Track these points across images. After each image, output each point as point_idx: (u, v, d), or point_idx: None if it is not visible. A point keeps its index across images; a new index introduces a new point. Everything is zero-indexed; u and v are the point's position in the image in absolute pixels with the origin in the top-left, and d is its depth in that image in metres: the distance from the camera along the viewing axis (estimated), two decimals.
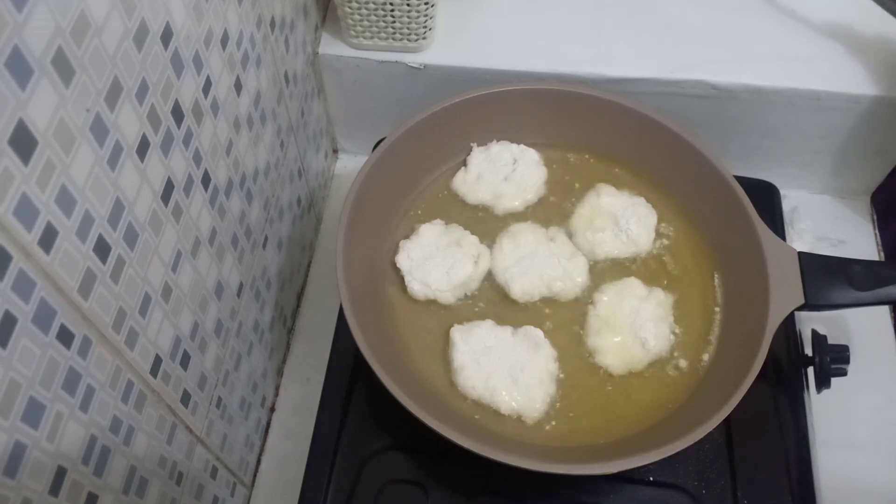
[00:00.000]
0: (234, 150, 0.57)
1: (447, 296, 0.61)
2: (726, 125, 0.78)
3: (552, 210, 0.66)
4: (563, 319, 0.61)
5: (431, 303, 0.61)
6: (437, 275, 0.61)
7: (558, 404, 0.57)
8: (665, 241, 0.65)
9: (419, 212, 0.66)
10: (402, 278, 0.61)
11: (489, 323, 0.59)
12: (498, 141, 0.68)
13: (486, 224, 0.65)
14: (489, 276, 0.63)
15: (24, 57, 0.32)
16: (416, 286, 0.61)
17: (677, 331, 0.61)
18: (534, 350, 0.58)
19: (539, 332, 0.59)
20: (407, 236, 0.63)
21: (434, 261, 0.61)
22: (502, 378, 0.57)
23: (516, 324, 0.60)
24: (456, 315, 0.61)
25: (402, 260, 0.62)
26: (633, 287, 0.61)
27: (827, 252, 0.60)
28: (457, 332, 0.58)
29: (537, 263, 0.62)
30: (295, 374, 0.79)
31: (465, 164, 0.67)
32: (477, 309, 0.62)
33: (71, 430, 0.40)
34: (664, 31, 0.76)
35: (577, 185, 0.67)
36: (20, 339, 0.35)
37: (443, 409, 0.56)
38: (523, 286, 0.61)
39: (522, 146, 0.68)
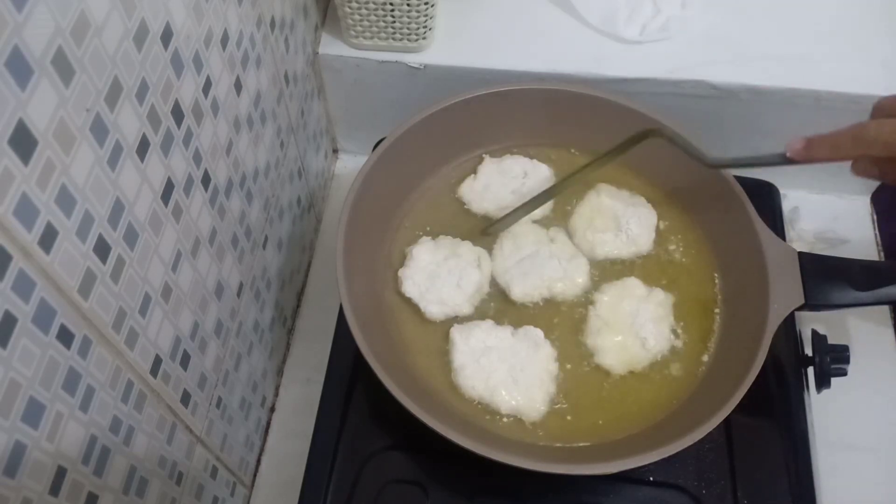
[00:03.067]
0: (234, 150, 0.57)
1: (466, 307, 0.60)
2: (726, 125, 0.77)
3: (552, 210, 0.66)
4: (564, 319, 0.61)
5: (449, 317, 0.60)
6: (449, 290, 0.60)
7: (558, 404, 0.57)
8: (665, 241, 0.65)
9: (418, 213, 0.66)
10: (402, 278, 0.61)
11: (489, 323, 0.59)
12: (512, 154, 0.68)
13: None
14: (489, 278, 0.63)
15: (24, 57, 0.32)
16: (433, 308, 0.60)
17: (677, 331, 0.61)
18: (534, 350, 0.58)
19: (539, 332, 0.59)
20: (409, 243, 0.63)
21: (440, 278, 0.60)
22: (502, 378, 0.57)
23: (516, 324, 0.60)
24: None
25: (410, 288, 0.60)
26: (633, 287, 0.61)
27: (827, 252, 0.60)
28: (457, 332, 0.58)
29: (538, 265, 0.62)
30: (295, 374, 0.78)
31: (474, 172, 0.67)
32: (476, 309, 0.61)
33: (71, 430, 0.40)
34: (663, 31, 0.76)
35: (577, 184, 0.67)
36: (20, 339, 0.35)
37: (443, 409, 0.56)
38: (524, 288, 0.61)
39: (535, 161, 0.67)
